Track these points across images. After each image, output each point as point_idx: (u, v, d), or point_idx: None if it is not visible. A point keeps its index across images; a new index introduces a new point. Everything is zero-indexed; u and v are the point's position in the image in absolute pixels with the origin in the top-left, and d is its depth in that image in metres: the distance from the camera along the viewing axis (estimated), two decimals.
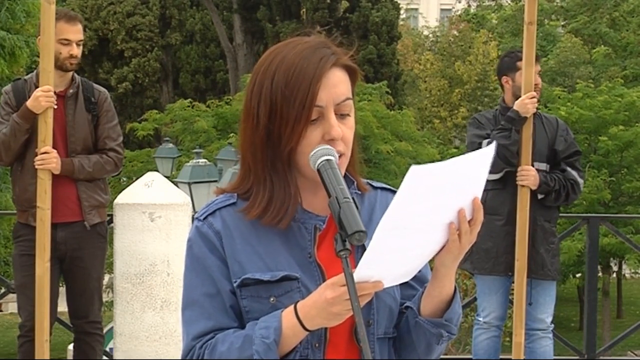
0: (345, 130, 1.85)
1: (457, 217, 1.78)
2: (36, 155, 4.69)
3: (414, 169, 1.64)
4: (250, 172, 1.90)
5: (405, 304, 1.94)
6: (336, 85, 1.85)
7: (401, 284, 1.93)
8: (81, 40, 4.94)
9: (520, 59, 5.16)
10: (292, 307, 1.79)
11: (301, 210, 1.89)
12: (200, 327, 1.86)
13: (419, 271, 1.89)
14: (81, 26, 4.97)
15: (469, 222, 1.79)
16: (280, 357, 1.79)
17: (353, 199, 1.74)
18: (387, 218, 1.67)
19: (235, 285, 1.85)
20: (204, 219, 1.90)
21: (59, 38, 4.79)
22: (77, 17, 4.98)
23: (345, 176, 1.91)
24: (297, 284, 1.84)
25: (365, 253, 1.69)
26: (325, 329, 1.83)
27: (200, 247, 1.88)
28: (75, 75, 4.99)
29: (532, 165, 5.19)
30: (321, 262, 1.87)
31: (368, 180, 2.02)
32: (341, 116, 1.86)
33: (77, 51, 4.89)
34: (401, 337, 1.94)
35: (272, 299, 1.83)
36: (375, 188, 2.02)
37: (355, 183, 1.96)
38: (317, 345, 1.84)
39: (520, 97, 5.11)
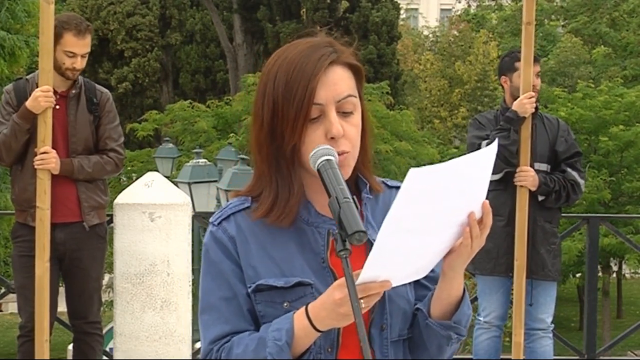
0: (348, 128, 1.83)
1: (466, 219, 1.77)
2: (36, 155, 4.69)
3: (413, 171, 1.63)
4: (261, 173, 1.90)
5: (416, 306, 1.94)
6: (336, 82, 1.83)
7: (415, 285, 1.93)
8: (87, 53, 4.89)
9: (519, 60, 5.14)
10: (303, 308, 1.79)
11: (315, 213, 1.89)
12: (217, 330, 1.87)
13: (433, 272, 1.89)
14: (90, 37, 4.90)
15: (478, 225, 1.79)
16: (294, 358, 1.80)
17: (354, 199, 1.73)
18: (389, 220, 1.66)
19: (249, 290, 1.86)
20: (219, 224, 1.90)
21: (65, 49, 4.76)
22: (88, 29, 4.88)
23: (358, 178, 1.91)
24: (310, 290, 1.84)
25: (371, 254, 1.69)
26: (338, 332, 1.84)
27: (216, 252, 1.89)
28: (79, 76, 4.97)
29: (533, 166, 5.18)
30: (334, 267, 1.86)
31: (383, 180, 2.01)
32: (344, 114, 1.84)
33: (80, 64, 4.84)
34: (413, 338, 1.95)
35: (285, 304, 1.84)
36: (390, 187, 2.00)
37: (368, 185, 1.94)
38: (329, 349, 1.85)
39: (518, 97, 5.11)
